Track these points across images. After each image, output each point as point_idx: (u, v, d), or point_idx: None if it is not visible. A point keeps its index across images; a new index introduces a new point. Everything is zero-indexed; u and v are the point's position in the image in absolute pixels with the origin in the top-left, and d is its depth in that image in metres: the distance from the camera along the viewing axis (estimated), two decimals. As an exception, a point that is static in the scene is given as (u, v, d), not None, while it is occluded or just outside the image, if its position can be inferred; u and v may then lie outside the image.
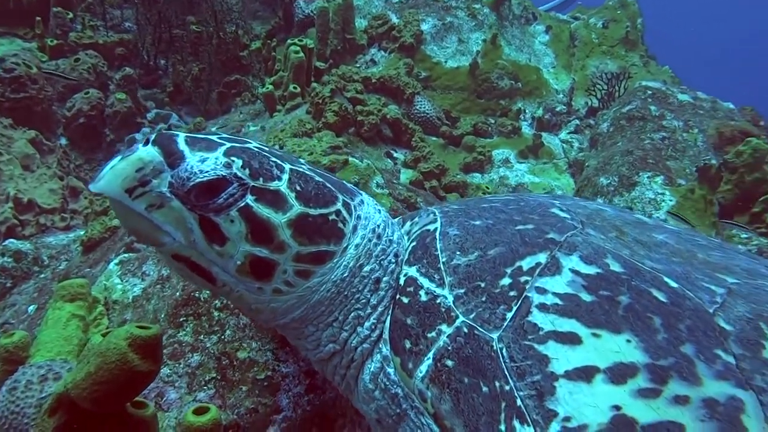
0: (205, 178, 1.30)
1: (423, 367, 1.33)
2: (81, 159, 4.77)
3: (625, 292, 1.26)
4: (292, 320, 1.51)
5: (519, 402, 1.14)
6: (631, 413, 1.06)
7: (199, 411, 1.57)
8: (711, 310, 1.22)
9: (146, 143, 1.33)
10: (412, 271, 1.53)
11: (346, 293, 1.51)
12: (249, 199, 1.34)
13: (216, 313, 2.14)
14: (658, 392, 1.08)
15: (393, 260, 1.58)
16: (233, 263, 1.35)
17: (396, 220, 1.88)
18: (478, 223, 1.57)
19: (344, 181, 1.65)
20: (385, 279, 1.55)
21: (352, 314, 1.53)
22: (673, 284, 1.29)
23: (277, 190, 1.38)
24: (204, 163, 1.31)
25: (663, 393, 1.08)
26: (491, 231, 1.52)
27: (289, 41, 4.90)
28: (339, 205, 1.48)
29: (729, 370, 1.11)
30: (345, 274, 1.49)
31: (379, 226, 1.59)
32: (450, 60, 5.65)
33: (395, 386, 1.44)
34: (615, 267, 1.33)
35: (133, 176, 1.28)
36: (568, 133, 5.59)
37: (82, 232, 3.54)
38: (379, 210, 1.67)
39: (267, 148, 1.49)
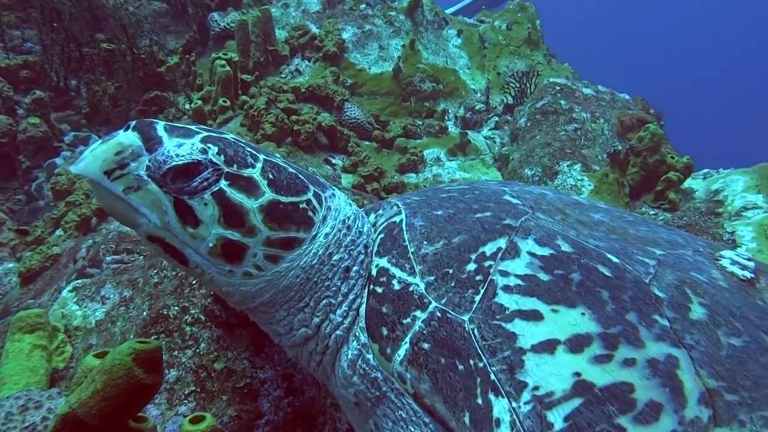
0: (180, 162, 1.36)
1: (401, 352, 1.40)
2: (-6, 189, 4.46)
3: (576, 270, 1.39)
4: (261, 304, 1.56)
5: (492, 377, 1.24)
6: (589, 378, 1.19)
7: (195, 420, 1.59)
8: (647, 281, 1.39)
9: (126, 129, 1.38)
10: (383, 262, 1.60)
11: (315, 280, 1.57)
12: (223, 183, 1.40)
13: (188, 328, 2.15)
14: (611, 357, 1.22)
15: (362, 251, 1.65)
16: (205, 245, 1.41)
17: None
18: (440, 213, 1.67)
19: (317, 176, 1.73)
20: (354, 268, 1.62)
21: (324, 301, 1.59)
22: (615, 260, 1.44)
23: (250, 177, 1.44)
24: (180, 148, 1.38)
25: (614, 357, 1.22)
26: (453, 220, 1.62)
27: (213, 55, 4.87)
28: (310, 195, 1.56)
29: (665, 332, 1.28)
30: (314, 262, 1.56)
31: (349, 218, 1.66)
32: (373, 66, 5.83)
33: (374, 371, 1.51)
34: (565, 247, 1.47)
35: (113, 159, 1.34)
36: (490, 129, 5.95)
37: (12, 264, 3.35)
38: (350, 204, 1.75)
39: (243, 141, 1.56)
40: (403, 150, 4.99)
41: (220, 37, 6.57)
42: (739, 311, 1.39)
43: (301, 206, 1.52)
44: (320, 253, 1.56)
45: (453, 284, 1.44)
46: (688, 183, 4.39)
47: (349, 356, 1.58)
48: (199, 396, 2.05)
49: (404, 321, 1.44)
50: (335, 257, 1.59)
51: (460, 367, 1.30)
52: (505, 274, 1.40)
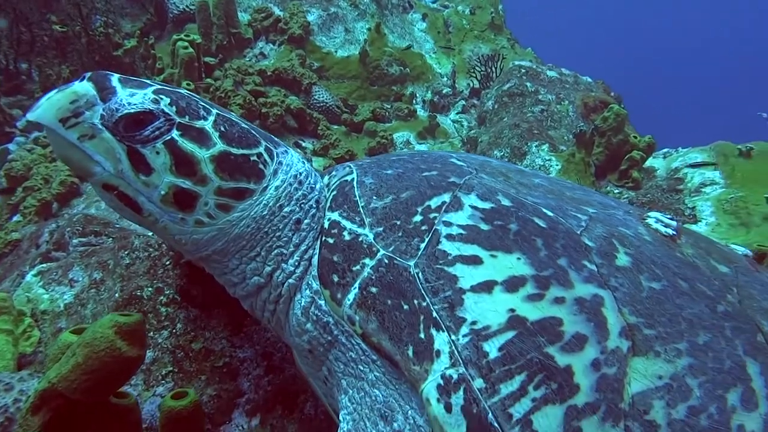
0: (132, 110, 1.41)
1: (350, 296, 1.48)
2: (-58, 177, 4.21)
3: (514, 221, 1.52)
4: (214, 252, 1.62)
5: (434, 314, 1.34)
6: (522, 313, 1.31)
7: (177, 396, 1.56)
8: (578, 232, 1.53)
9: (82, 79, 1.42)
10: (335, 216, 1.68)
11: (266, 230, 1.64)
12: (174, 133, 1.46)
13: (163, 309, 2.08)
14: (542, 296, 1.34)
15: (314, 206, 1.73)
16: (158, 193, 1.46)
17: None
18: (389, 172, 1.76)
19: (272, 136, 1.78)
20: (306, 221, 1.69)
21: (275, 251, 1.66)
22: (550, 213, 1.58)
23: (202, 129, 1.50)
24: (133, 97, 1.43)
25: (545, 296, 1.34)
26: (402, 178, 1.71)
27: (174, 37, 4.71)
28: (261, 149, 1.62)
29: (592, 275, 1.41)
30: (264, 213, 1.62)
31: (301, 173, 1.73)
32: (340, 50, 5.76)
33: (326, 316, 1.59)
34: (505, 202, 1.59)
35: (67, 107, 1.38)
36: (457, 113, 5.98)
37: (-34, 254, 3.18)
38: (304, 162, 1.81)
39: (198, 96, 1.60)
40: (373, 134, 4.97)
41: (179, 20, 6.37)
42: (660, 260, 1.53)
43: (252, 158, 1.58)
44: (270, 204, 1.63)
45: (400, 234, 1.53)
46: (650, 162, 4.52)
47: (302, 303, 1.65)
48: (177, 376, 2.00)
49: (354, 268, 1.52)
50: (286, 209, 1.65)
51: (405, 306, 1.39)
52: (448, 224, 1.51)
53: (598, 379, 1.23)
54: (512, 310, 1.31)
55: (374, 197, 1.66)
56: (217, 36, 5.66)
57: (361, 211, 1.63)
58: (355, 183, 1.74)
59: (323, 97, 4.99)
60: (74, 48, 5.45)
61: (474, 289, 1.36)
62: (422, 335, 1.33)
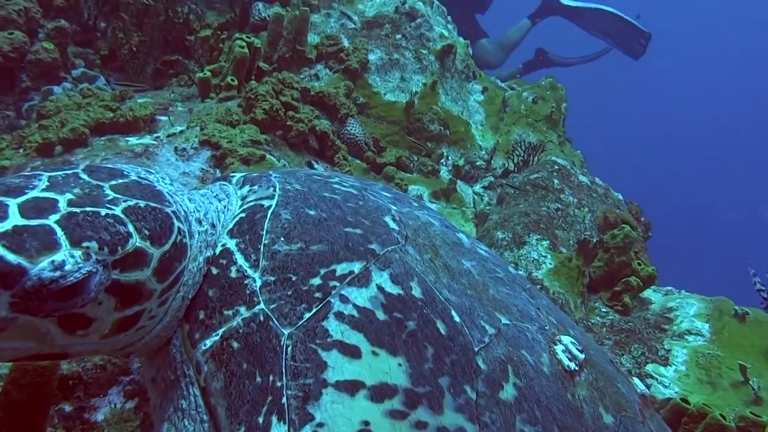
0: (69, 283, 1.10)
1: (208, 341, 1.33)
2: (-12, 97, 4.50)
3: (415, 319, 1.36)
4: (143, 342, 1.42)
5: (284, 400, 1.19)
6: (375, 430, 1.18)
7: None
8: (476, 349, 1.38)
9: None
10: (231, 244, 1.50)
11: (190, 294, 1.44)
12: (114, 274, 1.19)
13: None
14: (406, 415, 1.21)
15: (213, 232, 1.54)
16: (99, 335, 1.24)
17: (239, 176, 1.84)
18: (312, 213, 1.57)
19: (144, 181, 1.41)
20: (209, 253, 1.51)
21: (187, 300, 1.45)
22: (457, 319, 1.41)
23: (135, 250, 1.22)
24: (63, 269, 1.09)
25: (409, 417, 1.21)
26: (321, 226, 1.52)
27: (236, 35, 4.97)
28: (175, 222, 1.36)
29: (468, 404, 1.27)
30: (190, 277, 1.42)
31: (195, 211, 1.51)
32: (389, 93, 5.92)
33: (175, 350, 1.42)
34: (416, 292, 1.42)
35: None
36: (482, 187, 5.98)
37: None
38: (182, 191, 1.56)
39: (84, 181, 1.27)
40: (390, 178, 5.01)
41: (258, 26, 6.72)
42: (546, 401, 1.41)
43: (177, 240, 1.34)
44: (193, 267, 1.43)
45: (290, 293, 1.36)
46: (649, 294, 4.36)
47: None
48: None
49: (225, 312, 1.36)
50: (200, 258, 1.46)
51: (258, 379, 1.24)
52: (345, 300, 1.35)
53: None
54: (366, 423, 1.18)
55: (282, 238, 1.47)
56: (281, 48, 5.92)
57: (261, 249, 1.45)
58: (269, 213, 1.55)
59: (355, 130, 5.10)
60: (151, 22, 5.82)
61: (338, 386, 1.21)
62: (261, 419, 1.18)
